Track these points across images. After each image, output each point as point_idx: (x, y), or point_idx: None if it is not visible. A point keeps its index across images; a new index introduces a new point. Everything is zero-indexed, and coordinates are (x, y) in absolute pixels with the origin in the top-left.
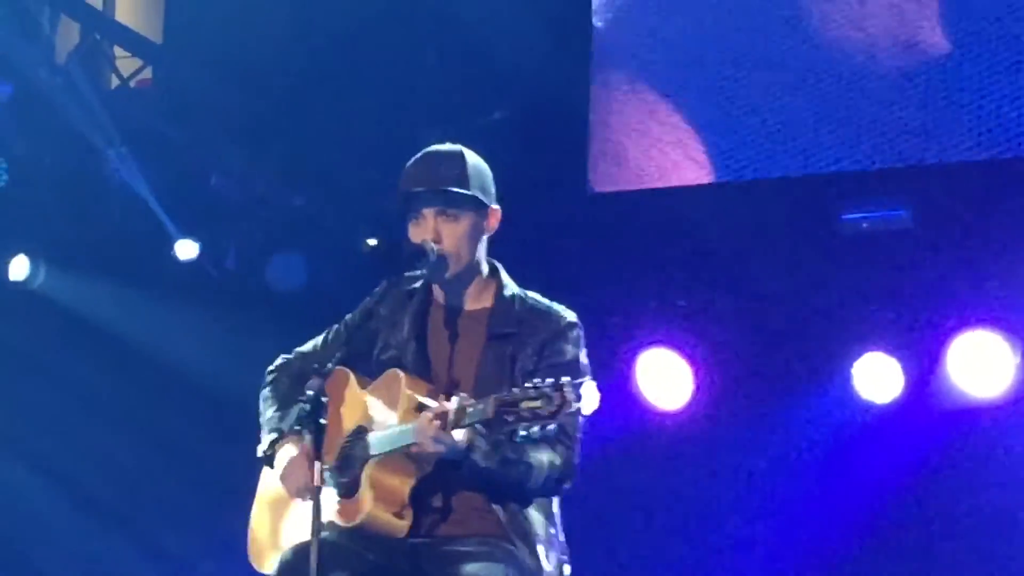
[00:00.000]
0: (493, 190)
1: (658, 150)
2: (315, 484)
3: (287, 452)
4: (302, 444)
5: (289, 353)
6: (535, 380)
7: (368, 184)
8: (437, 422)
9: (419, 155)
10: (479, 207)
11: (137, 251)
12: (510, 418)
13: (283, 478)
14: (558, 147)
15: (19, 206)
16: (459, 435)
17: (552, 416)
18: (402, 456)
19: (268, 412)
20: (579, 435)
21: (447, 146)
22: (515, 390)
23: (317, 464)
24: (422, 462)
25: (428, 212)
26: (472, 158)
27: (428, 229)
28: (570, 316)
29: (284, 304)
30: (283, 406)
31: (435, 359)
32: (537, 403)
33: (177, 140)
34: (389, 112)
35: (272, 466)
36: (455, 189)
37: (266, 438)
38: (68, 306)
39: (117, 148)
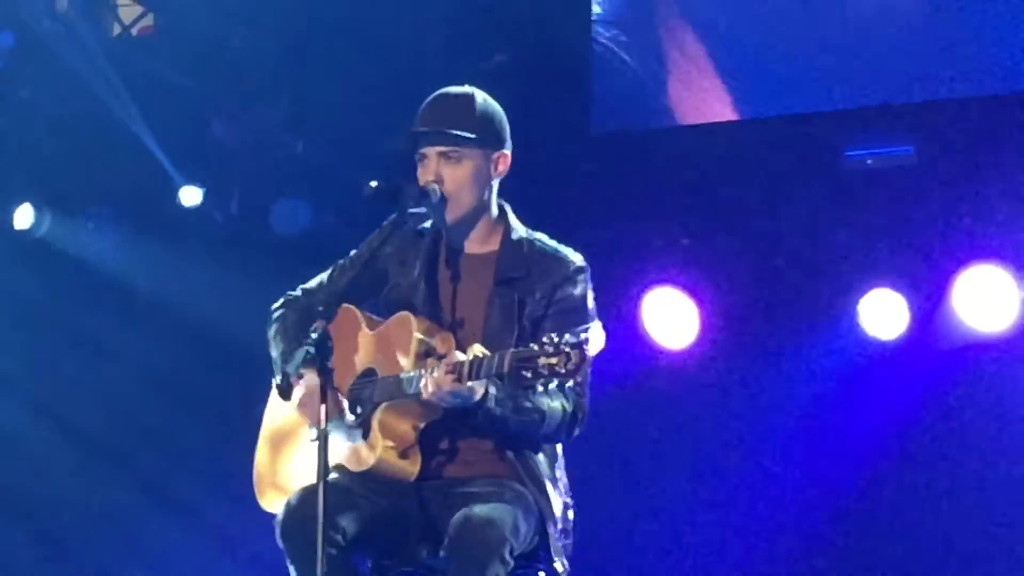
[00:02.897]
0: (505, 135)
1: (661, 90)
2: (321, 427)
3: (307, 380)
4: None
5: (294, 291)
6: (552, 336)
7: (371, 128)
8: (451, 375)
9: (432, 96)
10: (484, 150)
11: (141, 198)
12: (527, 373)
13: (301, 405)
14: (561, 88)
15: (23, 155)
16: (473, 385)
17: (570, 374)
18: (411, 400)
19: (279, 346)
20: (588, 380)
21: (460, 88)
22: (533, 345)
23: (323, 407)
24: (431, 407)
25: (431, 153)
26: (483, 102)
27: (431, 170)
28: (578, 260)
29: (288, 249)
30: (292, 340)
31: (444, 302)
32: (554, 360)
33: (180, 87)
34: (392, 56)
35: (288, 397)
36: (457, 132)
37: (283, 368)
38: (73, 253)
39: (120, 96)
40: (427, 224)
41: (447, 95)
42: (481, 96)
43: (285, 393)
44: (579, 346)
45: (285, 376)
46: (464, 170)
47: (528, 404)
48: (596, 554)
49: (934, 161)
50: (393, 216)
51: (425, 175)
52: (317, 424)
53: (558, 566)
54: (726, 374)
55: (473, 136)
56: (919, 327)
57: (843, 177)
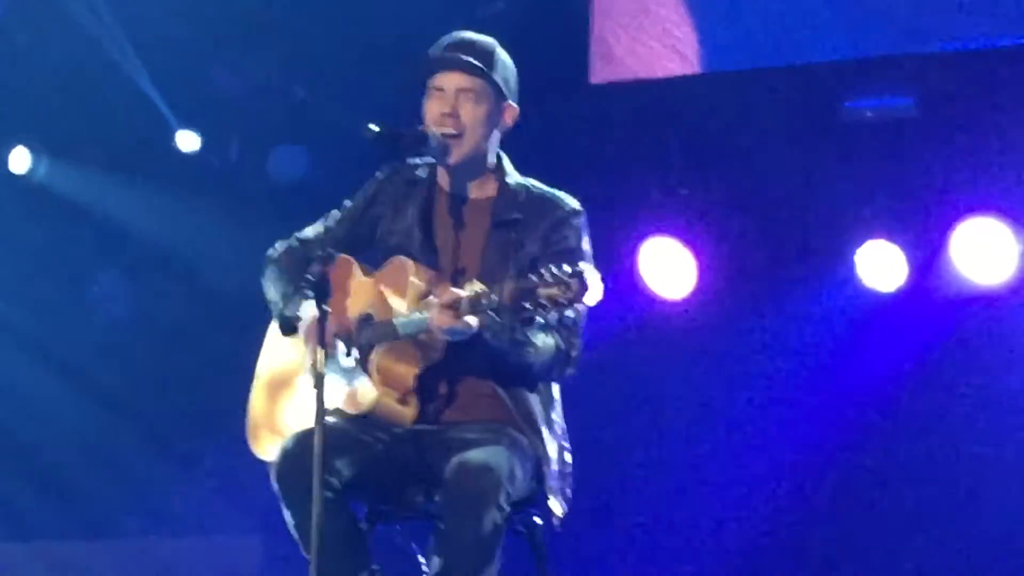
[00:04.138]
0: (516, 88)
1: (660, 40)
2: (319, 371)
3: (310, 309)
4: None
5: (288, 238)
6: (550, 266)
7: (369, 76)
8: (450, 311)
9: (453, 34)
10: (499, 98)
11: (139, 143)
12: (528, 305)
13: (309, 334)
14: (559, 37)
15: (21, 99)
16: (471, 321)
17: (570, 303)
18: (409, 343)
19: (277, 289)
20: (582, 323)
21: (480, 35)
22: (532, 276)
23: (320, 350)
24: (429, 350)
25: (450, 86)
26: (502, 53)
27: (447, 103)
28: (574, 203)
29: (286, 195)
30: (289, 284)
31: (441, 247)
32: (555, 290)
33: (177, 34)
34: (393, 2)
35: (295, 331)
36: (482, 67)
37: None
38: (70, 199)
39: (118, 42)
40: (421, 172)
41: (470, 36)
42: (500, 48)
43: (288, 329)
44: (579, 275)
45: (285, 319)
46: (481, 110)
47: (522, 338)
48: (594, 503)
49: (934, 113)
50: (387, 165)
51: (440, 107)
52: (314, 366)
53: (553, 505)
54: (723, 324)
55: (496, 80)
56: (917, 279)
57: (842, 128)
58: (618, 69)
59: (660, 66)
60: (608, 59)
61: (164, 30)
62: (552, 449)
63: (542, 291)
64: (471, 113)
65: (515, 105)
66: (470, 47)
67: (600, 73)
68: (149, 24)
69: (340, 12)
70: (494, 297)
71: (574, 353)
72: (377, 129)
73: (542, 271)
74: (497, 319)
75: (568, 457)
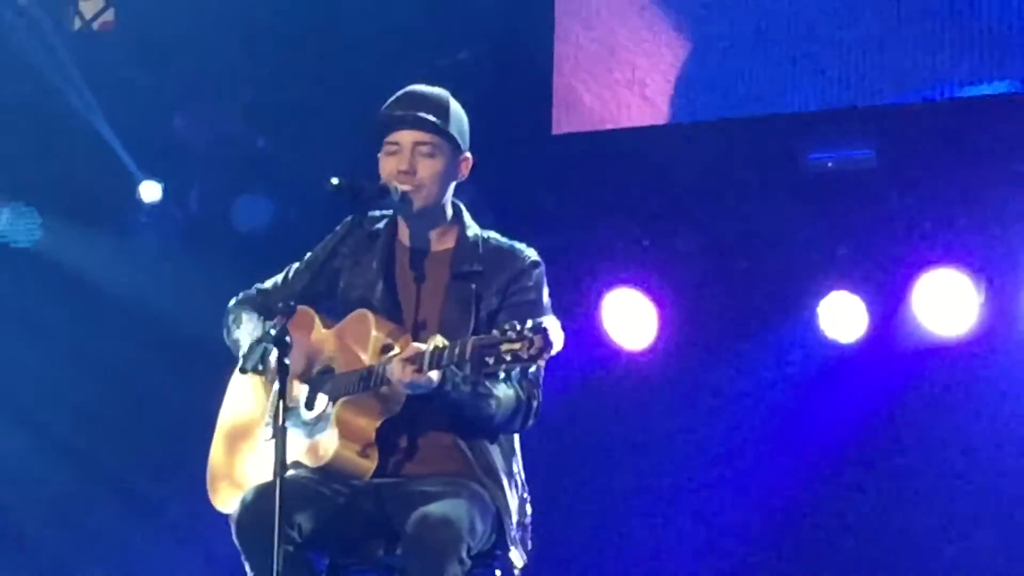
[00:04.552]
0: (468, 139)
1: (623, 91)
2: (280, 424)
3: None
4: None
5: (250, 290)
6: (514, 322)
7: (332, 125)
8: (412, 365)
9: (405, 89)
10: (455, 150)
11: (101, 193)
12: (490, 360)
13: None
14: (522, 87)
15: None
16: (434, 375)
17: (532, 359)
18: (370, 396)
19: (238, 337)
20: (542, 374)
21: (432, 87)
22: (495, 332)
23: (280, 403)
24: (390, 402)
25: (406, 142)
26: (455, 105)
27: (403, 159)
28: (533, 255)
29: (249, 245)
30: (250, 335)
31: (402, 299)
32: (517, 345)
33: (140, 82)
34: (353, 52)
35: (259, 370)
36: (437, 122)
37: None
38: (31, 248)
39: (80, 91)
40: (381, 225)
41: (422, 90)
42: (452, 99)
43: (254, 369)
44: (542, 331)
45: (243, 370)
46: (438, 164)
47: (483, 390)
48: (555, 555)
49: (895, 164)
50: (348, 218)
51: (396, 164)
52: (275, 420)
53: (514, 557)
54: (685, 375)
55: (451, 133)
56: (878, 330)
57: (804, 179)
58: (581, 119)
59: (628, 114)
60: (573, 108)
61: (126, 79)
62: (513, 500)
63: (505, 347)
64: (428, 168)
65: (470, 156)
66: (423, 102)
67: (563, 123)
68: (111, 73)
69: (302, 62)
70: (456, 351)
71: (535, 404)
72: (338, 182)
73: (505, 327)
74: (459, 373)
75: (528, 508)
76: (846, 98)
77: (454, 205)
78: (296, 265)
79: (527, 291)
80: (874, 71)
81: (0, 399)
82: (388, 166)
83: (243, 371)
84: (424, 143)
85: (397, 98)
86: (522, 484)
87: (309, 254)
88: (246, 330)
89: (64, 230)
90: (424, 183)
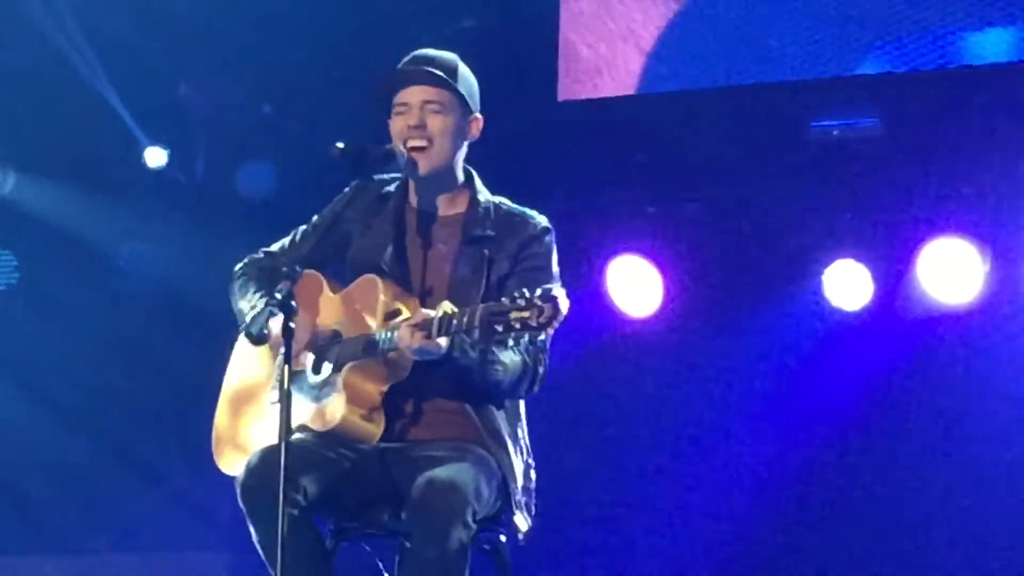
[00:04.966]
0: (478, 102)
1: (629, 58)
2: (285, 387)
3: (278, 324)
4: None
5: (256, 253)
6: (524, 290)
7: (338, 92)
8: (421, 332)
9: (414, 52)
10: (464, 109)
11: (106, 158)
12: (499, 327)
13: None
14: (528, 54)
15: None
16: (442, 342)
17: (542, 327)
18: (377, 361)
19: (244, 302)
20: (549, 341)
21: (441, 51)
22: (504, 300)
23: (287, 367)
24: (397, 368)
25: (415, 100)
26: (464, 67)
27: (413, 116)
28: (544, 221)
29: (254, 211)
30: (256, 299)
31: (412, 263)
32: (526, 313)
33: (146, 48)
34: (359, 19)
35: (265, 340)
36: (446, 78)
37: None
38: (37, 213)
39: (86, 56)
40: (391, 188)
41: (431, 52)
42: (461, 62)
43: (258, 340)
44: (551, 299)
45: (249, 335)
46: (448, 120)
47: (491, 357)
48: (560, 521)
49: (900, 133)
50: (356, 181)
51: (407, 120)
52: (280, 383)
53: (519, 521)
54: (690, 342)
55: (460, 91)
56: (883, 298)
57: (809, 147)
58: (587, 87)
59: (634, 81)
60: (578, 76)
61: (132, 46)
62: (518, 465)
63: (514, 314)
64: (438, 124)
65: (480, 116)
66: (431, 61)
67: (569, 90)
68: (117, 40)
69: (308, 30)
70: (466, 318)
71: (541, 370)
72: (342, 147)
73: (515, 294)
74: (467, 340)
75: (533, 474)
76: (851, 66)
77: (466, 170)
78: (303, 228)
79: (538, 257)
80: (879, 39)
81: (3, 367)
82: (398, 125)
83: (250, 337)
84: (433, 100)
85: (406, 60)
86: (527, 449)
87: (316, 217)
88: (248, 300)
89: (69, 195)
90: (435, 138)
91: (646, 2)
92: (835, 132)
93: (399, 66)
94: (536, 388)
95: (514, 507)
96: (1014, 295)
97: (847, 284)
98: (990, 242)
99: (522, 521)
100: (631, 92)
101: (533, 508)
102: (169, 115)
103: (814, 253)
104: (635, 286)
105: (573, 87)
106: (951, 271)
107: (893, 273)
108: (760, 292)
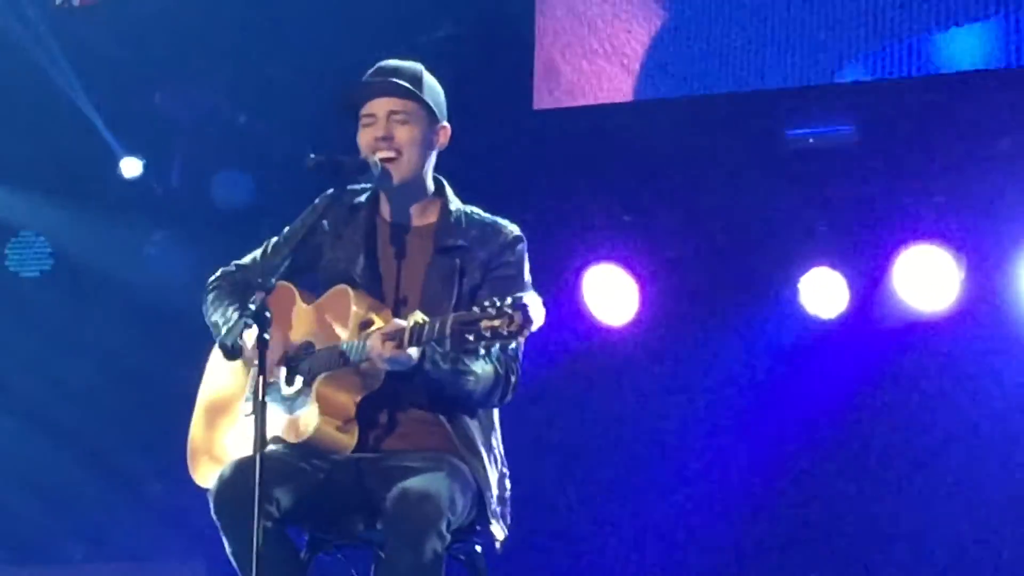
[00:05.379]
0: (445, 110)
1: (603, 66)
2: (259, 399)
3: (252, 336)
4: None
5: (228, 266)
6: (494, 299)
7: (313, 101)
8: (392, 341)
9: (379, 63)
10: (431, 118)
11: (82, 168)
12: (470, 337)
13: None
14: (503, 63)
15: None
16: (413, 352)
17: (512, 336)
18: (350, 372)
19: (218, 315)
20: (521, 350)
21: (406, 61)
22: (475, 309)
23: (260, 379)
24: (370, 378)
25: (380, 112)
26: (429, 76)
27: (380, 127)
28: (515, 230)
29: (229, 221)
30: (229, 311)
31: (384, 274)
32: (497, 322)
33: (121, 58)
34: (334, 28)
35: (239, 355)
36: (410, 88)
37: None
38: (12, 223)
39: (61, 66)
40: (362, 198)
41: (395, 63)
42: (426, 72)
43: (232, 354)
44: (521, 308)
45: (228, 345)
46: (415, 130)
47: (463, 367)
48: (535, 531)
49: (875, 141)
50: (327, 191)
51: (374, 132)
52: (254, 395)
53: (495, 530)
54: (666, 350)
55: (425, 100)
56: (859, 306)
57: (785, 156)
58: (562, 95)
59: (609, 89)
60: (554, 82)
61: (107, 56)
62: (493, 475)
63: (485, 324)
64: (405, 135)
65: (447, 125)
66: (396, 72)
67: (544, 99)
68: (92, 50)
69: (283, 39)
70: (436, 328)
71: (513, 379)
72: (316, 158)
73: (485, 303)
74: (439, 350)
75: (508, 483)
76: (826, 74)
77: (436, 179)
78: (275, 239)
79: (508, 266)
80: (853, 48)
81: None
82: (365, 137)
83: (224, 349)
84: (398, 111)
85: (371, 72)
86: (501, 459)
87: (287, 228)
88: (222, 313)
89: (45, 206)
90: (403, 149)
91: (630, 20)
92: (811, 140)
93: (364, 78)
94: (509, 397)
95: (490, 516)
96: (989, 303)
97: (823, 292)
98: (965, 250)
99: (498, 530)
100: (607, 101)
101: (508, 517)
102: (144, 125)
103: (790, 261)
104: (611, 295)
105: (549, 96)
106: (927, 279)
107: (869, 281)
108: (736, 300)
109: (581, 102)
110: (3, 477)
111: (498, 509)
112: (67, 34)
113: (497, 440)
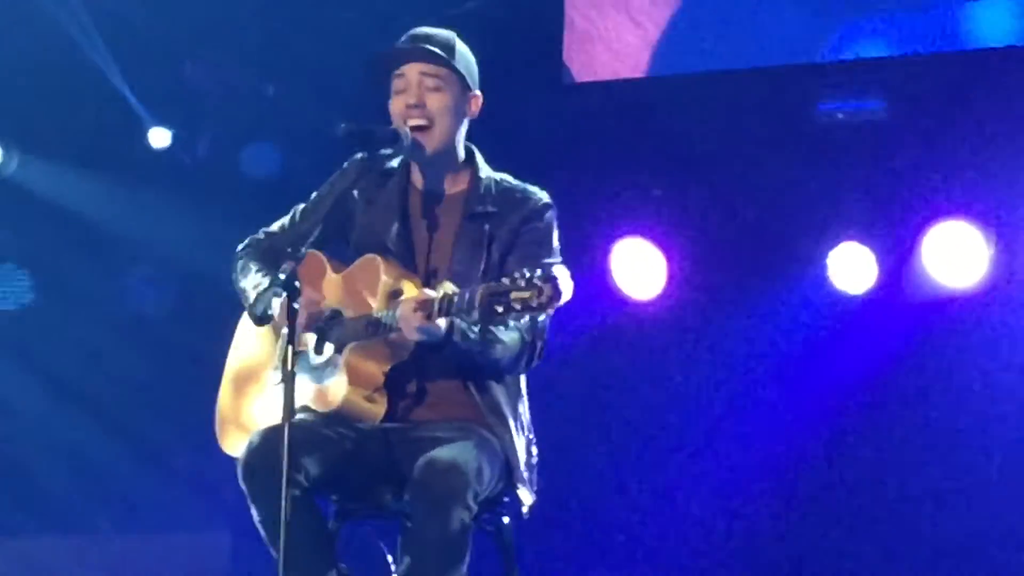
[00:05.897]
0: (477, 78)
1: (634, 39)
2: (288, 368)
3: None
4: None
5: (257, 234)
6: (524, 270)
7: (342, 72)
8: (421, 312)
9: (412, 30)
10: (463, 86)
11: (110, 139)
12: (499, 308)
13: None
14: (533, 36)
15: None
16: (442, 323)
17: (542, 307)
18: (379, 342)
19: (247, 283)
20: (549, 320)
21: (440, 29)
22: (504, 280)
23: (290, 347)
24: (399, 348)
25: (412, 76)
26: (461, 44)
27: (411, 93)
28: (545, 197)
29: (257, 192)
30: (259, 280)
31: (416, 240)
32: (527, 294)
33: (151, 29)
34: (361, 0)
35: (269, 320)
36: (442, 54)
37: (251, 309)
38: (41, 193)
39: (91, 36)
40: (394, 163)
41: (427, 30)
42: (459, 40)
43: (262, 320)
44: (552, 279)
45: (253, 314)
46: (447, 98)
47: (491, 336)
48: (562, 503)
49: (905, 116)
50: (356, 156)
51: (406, 99)
52: (284, 364)
53: (523, 495)
54: (693, 325)
55: (457, 67)
56: (888, 282)
57: (815, 130)
58: (593, 69)
59: (639, 63)
60: (584, 58)
61: (136, 27)
62: (519, 442)
63: (514, 295)
64: (437, 102)
65: (479, 94)
66: (429, 39)
67: (574, 73)
68: (121, 20)
69: (311, 10)
70: (466, 299)
71: (539, 345)
72: (347, 127)
73: (515, 274)
74: (467, 320)
75: (534, 450)
76: (857, 49)
77: (467, 148)
78: (302, 206)
79: (537, 231)
80: (885, 22)
81: (9, 345)
82: (397, 104)
83: (254, 317)
84: (430, 75)
85: (403, 39)
86: (528, 426)
87: (315, 194)
88: (251, 280)
89: (74, 176)
90: (434, 117)
91: None
92: (840, 115)
93: (396, 44)
94: (536, 362)
95: (517, 481)
96: (1019, 278)
97: (852, 267)
98: (995, 225)
99: (526, 495)
100: (637, 75)
101: (535, 483)
102: (173, 96)
103: (819, 236)
104: (639, 269)
105: (579, 70)
106: (956, 254)
107: (898, 256)
108: (764, 275)
109: (611, 76)
110: (31, 448)
111: (525, 474)
112: (97, 4)
113: (524, 406)
